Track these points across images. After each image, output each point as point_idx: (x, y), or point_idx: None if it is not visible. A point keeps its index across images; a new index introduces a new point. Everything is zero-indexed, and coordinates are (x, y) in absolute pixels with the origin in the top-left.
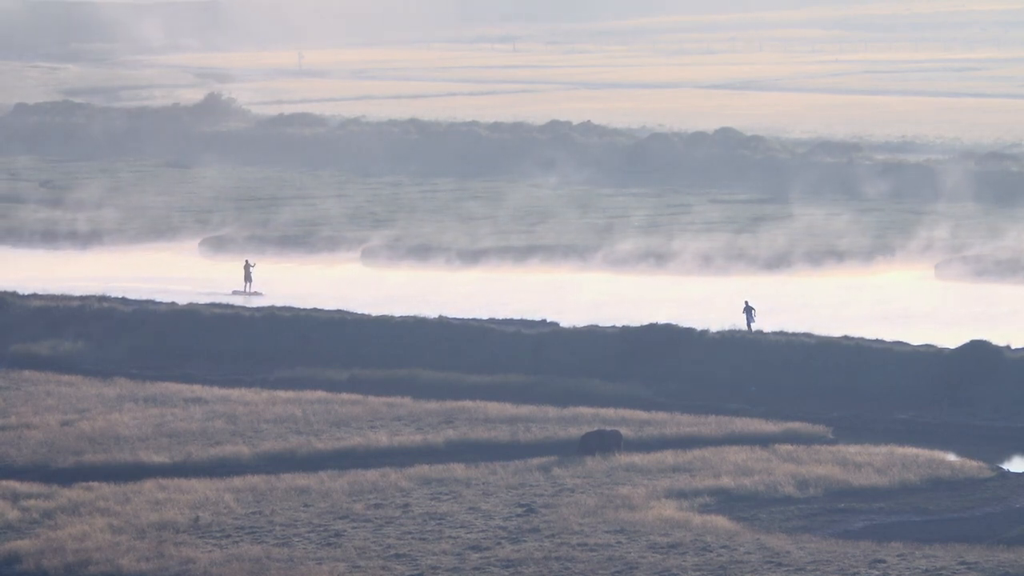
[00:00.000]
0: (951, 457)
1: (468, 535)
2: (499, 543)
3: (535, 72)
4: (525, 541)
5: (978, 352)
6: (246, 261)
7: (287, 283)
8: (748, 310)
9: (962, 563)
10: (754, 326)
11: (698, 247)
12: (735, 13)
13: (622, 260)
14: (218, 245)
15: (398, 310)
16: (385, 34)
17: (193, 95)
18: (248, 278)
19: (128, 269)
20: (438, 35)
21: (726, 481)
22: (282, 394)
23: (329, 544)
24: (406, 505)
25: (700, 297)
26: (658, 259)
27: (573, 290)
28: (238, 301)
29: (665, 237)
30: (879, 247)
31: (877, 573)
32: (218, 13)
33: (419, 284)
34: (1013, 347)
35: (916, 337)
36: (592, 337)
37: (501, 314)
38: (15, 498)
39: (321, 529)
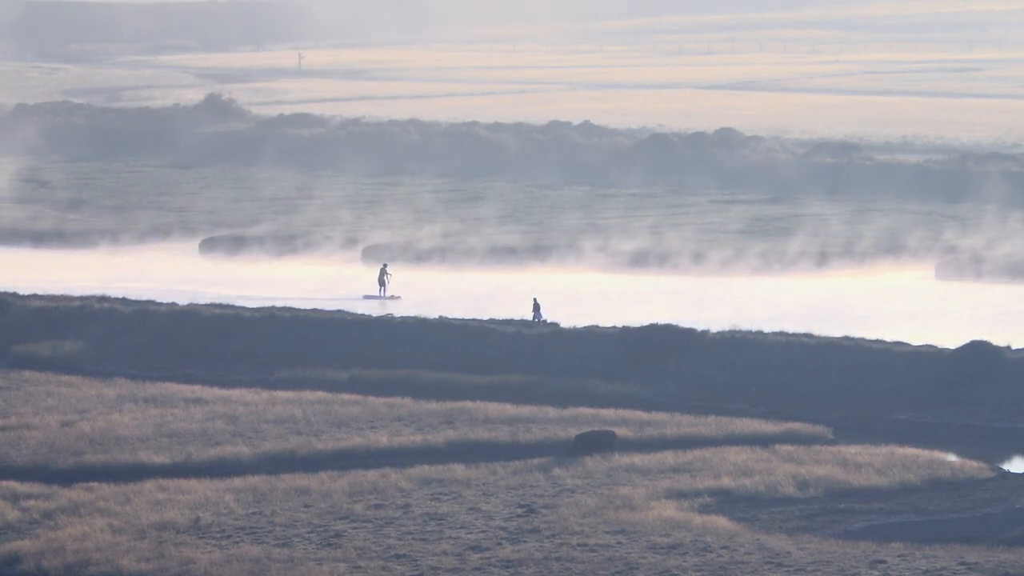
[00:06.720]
0: (951, 457)
1: (468, 535)
2: (499, 543)
3: (535, 72)
4: (525, 542)
5: (978, 352)
6: (383, 266)
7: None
8: (536, 307)
9: (962, 563)
10: (541, 320)
11: (698, 247)
12: (735, 13)
13: (622, 260)
14: (218, 245)
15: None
16: (390, 34)
17: (193, 95)
18: (383, 283)
19: (128, 269)
20: (438, 35)
21: (726, 481)
22: (282, 394)
23: (329, 544)
24: (406, 505)
25: (700, 297)
26: (658, 259)
27: (573, 290)
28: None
29: (666, 237)
30: (879, 247)
31: (877, 574)
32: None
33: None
34: (1013, 347)
35: (916, 337)
36: (592, 337)
37: (501, 314)
38: (15, 498)
39: (321, 529)
